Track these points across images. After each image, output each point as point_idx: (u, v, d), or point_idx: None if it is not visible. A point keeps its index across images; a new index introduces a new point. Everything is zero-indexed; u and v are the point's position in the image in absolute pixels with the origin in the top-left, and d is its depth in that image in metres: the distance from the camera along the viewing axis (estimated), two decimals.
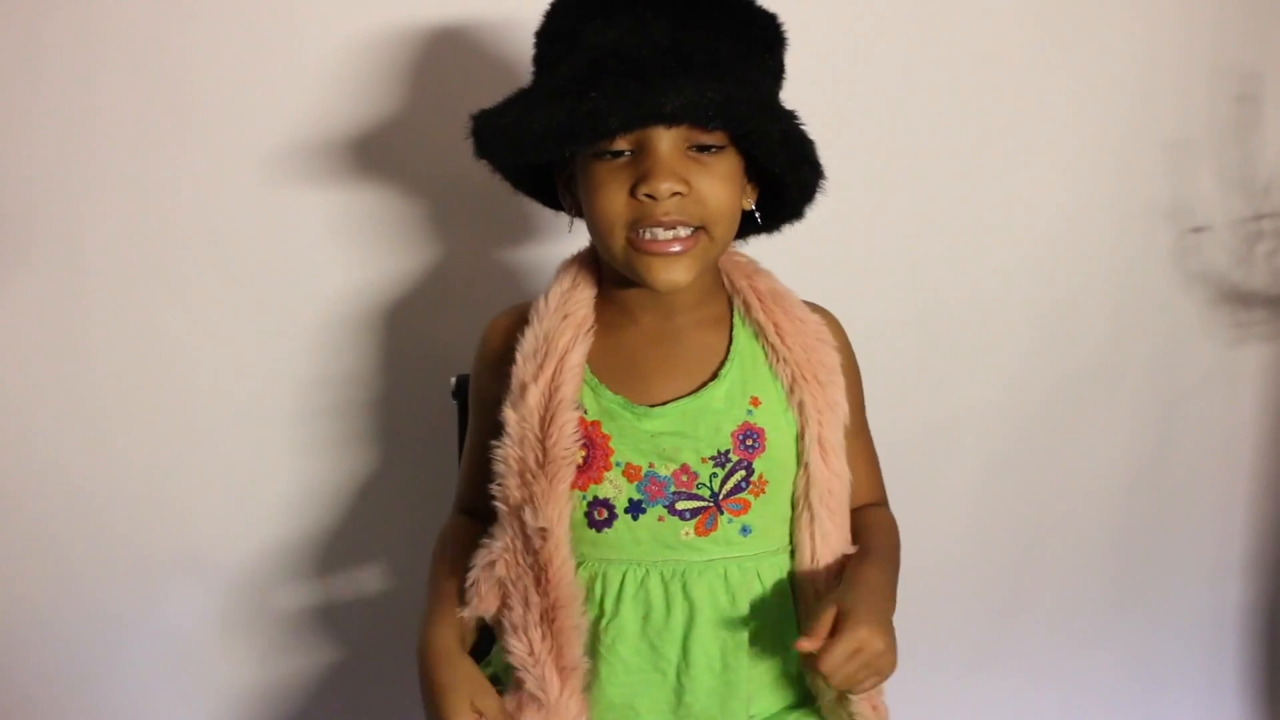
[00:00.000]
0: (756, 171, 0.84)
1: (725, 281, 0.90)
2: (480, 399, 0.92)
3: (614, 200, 0.79)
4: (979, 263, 1.34)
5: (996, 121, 1.30)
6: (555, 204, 0.91)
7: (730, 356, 0.86)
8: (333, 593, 1.26)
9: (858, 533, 0.89)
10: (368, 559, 1.26)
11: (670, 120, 0.75)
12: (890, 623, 0.79)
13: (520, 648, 0.81)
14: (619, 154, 0.79)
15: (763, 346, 0.86)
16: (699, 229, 0.79)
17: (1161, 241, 1.39)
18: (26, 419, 1.15)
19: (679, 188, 0.77)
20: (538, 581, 0.81)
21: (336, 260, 1.18)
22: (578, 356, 0.83)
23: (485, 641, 0.91)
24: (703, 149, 0.79)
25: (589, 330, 0.84)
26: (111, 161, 1.11)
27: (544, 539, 0.80)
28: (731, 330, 0.87)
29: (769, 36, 0.83)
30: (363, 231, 1.18)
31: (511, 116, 0.79)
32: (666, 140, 0.77)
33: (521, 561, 0.81)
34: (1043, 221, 1.35)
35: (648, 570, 0.83)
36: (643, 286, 0.82)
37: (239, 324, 1.17)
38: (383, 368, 1.21)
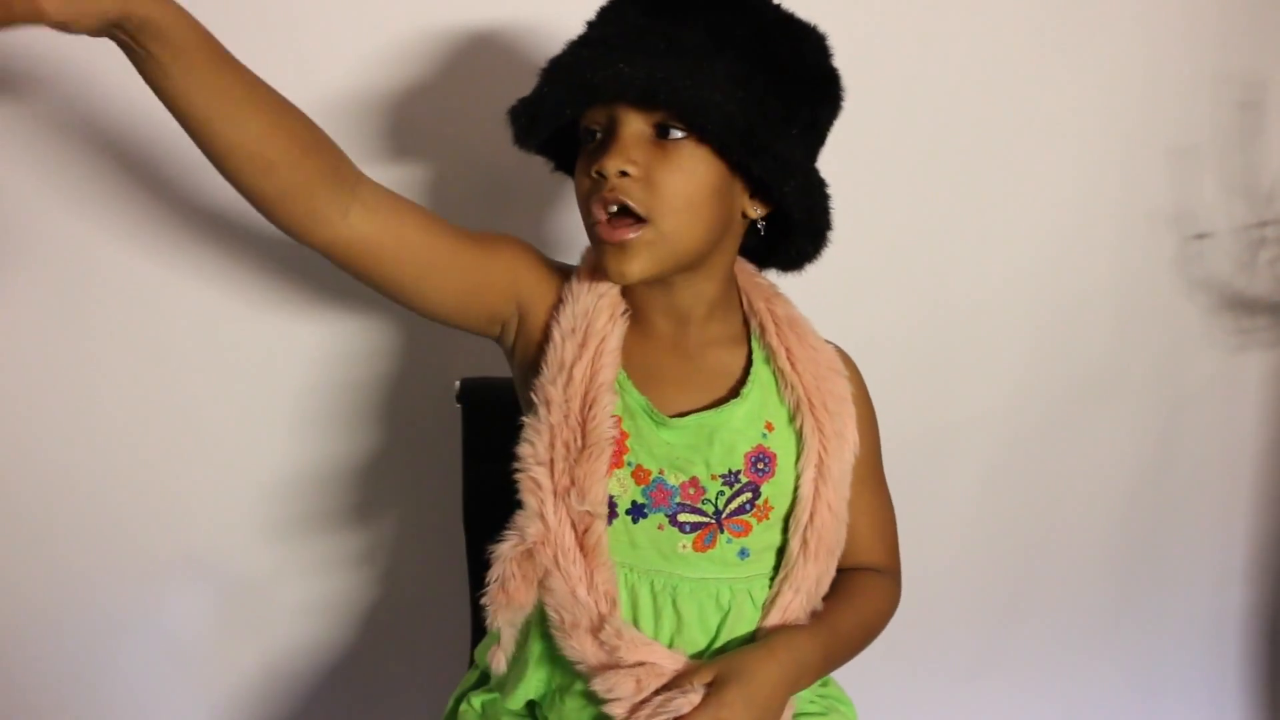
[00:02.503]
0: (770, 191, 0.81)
1: (744, 302, 0.88)
2: (525, 255, 0.85)
3: (582, 180, 0.79)
4: (981, 269, 1.34)
5: (999, 128, 1.30)
6: None
7: (750, 379, 0.84)
8: (335, 595, 1.26)
9: (836, 593, 0.86)
10: (370, 561, 1.26)
11: (598, 95, 0.75)
12: (768, 701, 0.78)
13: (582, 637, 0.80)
14: (594, 136, 0.79)
15: (773, 371, 0.85)
16: (643, 221, 0.76)
17: (1164, 248, 1.39)
18: (28, 418, 1.15)
19: (625, 167, 0.75)
20: (587, 565, 0.80)
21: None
22: (615, 341, 0.82)
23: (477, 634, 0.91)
24: (667, 136, 0.77)
25: (624, 313, 0.83)
26: (117, 155, 1.11)
27: (589, 523, 0.79)
28: (750, 352, 0.86)
29: (762, 43, 0.80)
30: None
31: (513, 107, 0.80)
32: (632, 125, 0.76)
33: (568, 544, 0.80)
34: (1045, 227, 1.35)
35: (640, 578, 0.82)
36: (650, 284, 0.82)
37: (242, 324, 1.17)
38: (387, 371, 1.21)
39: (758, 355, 0.86)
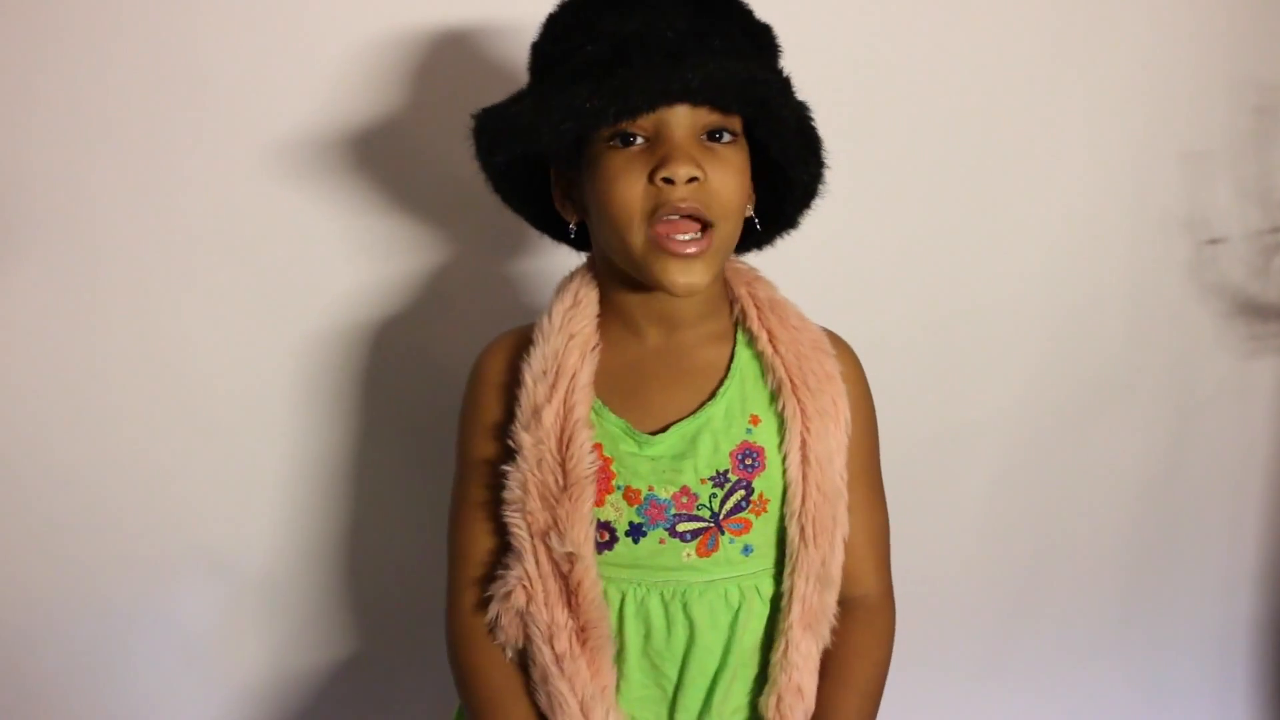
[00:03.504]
0: (756, 175, 0.82)
1: (728, 292, 0.88)
2: (478, 431, 0.86)
3: (631, 188, 0.76)
4: (993, 272, 1.34)
5: (1011, 131, 1.29)
6: (543, 223, 0.91)
7: (730, 373, 0.84)
8: (343, 591, 1.26)
9: (828, 675, 0.84)
10: (378, 557, 1.26)
11: (696, 95, 0.74)
12: None
13: (553, 671, 0.80)
14: (632, 141, 0.77)
15: (755, 355, 0.85)
16: (708, 227, 0.77)
17: (1177, 253, 1.38)
18: (36, 416, 1.15)
19: (696, 172, 0.75)
20: (568, 604, 0.80)
21: (349, 260, 1.18)
22: (586, 376, 0.81)
23: None
24: (715, 138, 0.77)
25: (595, 348, 0.82)
26: (122, 157, 1.11)
27: (572, 563, 0.79)
28: (735, 346, 0.86)
29: (773, 42, 0.83)
30: (375, 231, 1.18)
31: (527, 104, 0.78)
32: (683, 126, 0.76)
33: (549, 587, 0.80)
34: (1058, 231, 1.34)
35: (648, 590, 0.82)
36: (652, 292, 0.81)
37: (250, 322, 1.17)
38: (395, 368, 1.21)
39: (741, 342, 0.85)
